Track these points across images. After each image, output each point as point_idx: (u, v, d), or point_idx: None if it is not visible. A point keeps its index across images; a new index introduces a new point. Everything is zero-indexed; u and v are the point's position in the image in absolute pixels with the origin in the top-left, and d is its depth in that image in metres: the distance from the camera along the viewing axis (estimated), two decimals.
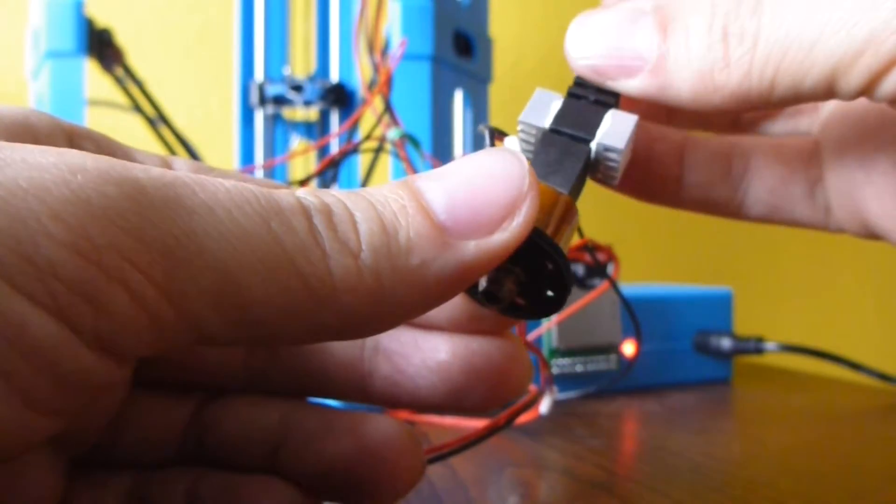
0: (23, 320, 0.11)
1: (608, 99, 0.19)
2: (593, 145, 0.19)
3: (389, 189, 0.14)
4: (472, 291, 0.17)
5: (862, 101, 0.20)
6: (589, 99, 0.20)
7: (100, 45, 0.53)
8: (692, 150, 0.22)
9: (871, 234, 0.21)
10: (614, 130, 0.19)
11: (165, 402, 0.18)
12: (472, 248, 0.14)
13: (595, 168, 0.19)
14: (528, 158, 0.19)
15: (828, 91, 0.17)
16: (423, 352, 0.17)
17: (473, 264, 0.14)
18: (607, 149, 0.19)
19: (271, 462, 0.18)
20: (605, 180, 0.20)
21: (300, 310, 0.13)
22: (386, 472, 0.17)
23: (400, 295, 0.14)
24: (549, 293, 0.16)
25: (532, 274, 0.16)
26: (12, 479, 0.15)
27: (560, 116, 0.19)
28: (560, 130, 0.19)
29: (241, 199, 0.13)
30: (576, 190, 0.18)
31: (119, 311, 0.12)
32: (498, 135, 0.19)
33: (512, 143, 0.19)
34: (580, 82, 0.20)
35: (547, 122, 0.19)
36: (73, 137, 0.17)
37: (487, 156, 0.15)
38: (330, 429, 0.17)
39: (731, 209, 0.22)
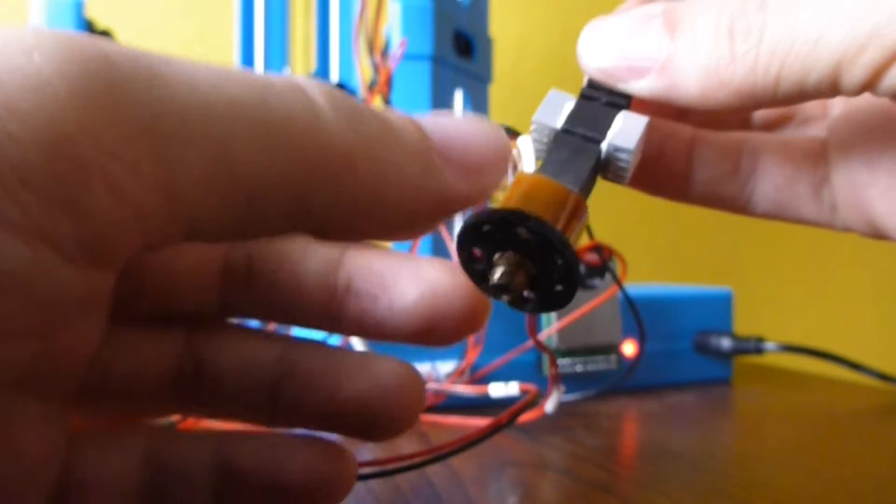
0: None
1: (620, 100, 0.20)
2: (604, 146, 0.19)
3: (392, 112, 0.15)
4: (482, 283, 0.17)
5: (867, 101, 0.20)
6: (601, 100, 0.20)
7: None
8: (701, 148, 0.22)
9: (877, 234, 0.21)
10: (625, 131, 0.19)
11: (148, 335, 0.17)
12: (453, 181, 0.15)
13: (606, 168, 0.20)
14: (539, 158, 0.20)
15: (832, 86, 0.17)
16: (391, 295, 0.17)
17: (454, 198, 0.15)
18: (618, 149, 0.19)
19: (273, 399, 0.17)
20: (615, 180, 0.20)
21: (295, 181, 0.13)
22: (400, 407, 0.17)
23: (391, 194, 0.15)
24: (558, 287, 0.17)
25: (542, 268, 0.17)
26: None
27: (572, 117, 0.20)
28: (572, 131, 0.20)
29: (228, 75, 0.13)
30: (586, 188, 0.19)
31: (101, 212, 0.11)
32: (511, 134, 0.20)
33: (524, 142, 0.19)
34: (593, 84, 0.20)
35: (559, 123, 0.20)
36: None
37: (474, 118, 0.16)
38: (340, 368, 0.17)
39: (737, 205, 0.23)
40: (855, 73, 0.16)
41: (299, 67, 0.59)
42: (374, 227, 0.15)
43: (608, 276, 0.42)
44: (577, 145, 0.19)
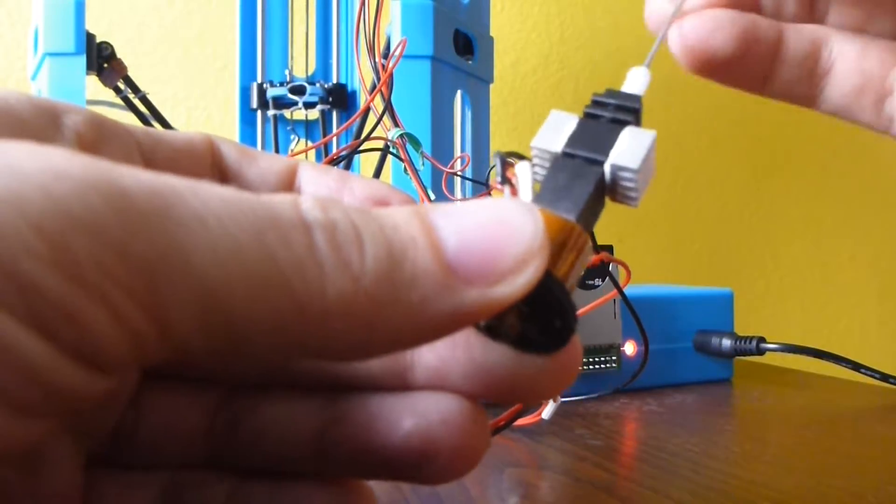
0: (9, 335, 0.11)
1: (626, 116, 0.19)
2: (607, 166, 0.18)
3: (401, 216, 0.14)
4: (475, 327, 0.16)
5: None
6: (606, 118, 0.19)
7: (99, 59, 0.53)
8: (786, 52, 0.23)
9: None
10: (629, 149, 0.18)
11: (186, 390, 0.18)
12: (473, 295, 0.14)
13: (613, 190, 0.18)
14: (537, 182, 0.18)
15: None
16: (472, 347, 0.16)
17: (470, 311, 0.14)
18: (621, 169, 0.18)
19: (320, 449, 0.17)
20: (624, 201, 0.19)
21: (286, 328, 0.13)
22: (451, 450, 0.16)
23: (393, 328, 0.13)
24: (557, 323, 0.15)
25: (535, 306, 0.15)
26: (27, 469, 0.15)
27: (573, 138, 0.18)
28: (573, 153, 0.18)
29: (236, 210, 0.12)
30: (587, 215, 0.17)
31: (99, 329, 0.12)
32: (510, 158, 0.18)
33: (523, 169, 0.18)
34: (597, 101, 0.19)
35: (559, 146, 0.18)
36: (60, 115, 0.17)
37: (505, 205, 0.14)
38: (384, 410, 0.16)
39: (805, 103, 0.24)
40: None
41: (300, 68, 0.59)
42: (373, 354, 0.14)
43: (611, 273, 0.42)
44: (577, 168, 0.18)
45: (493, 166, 0.17)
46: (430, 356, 0.17)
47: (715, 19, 0.22)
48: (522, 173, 0.17)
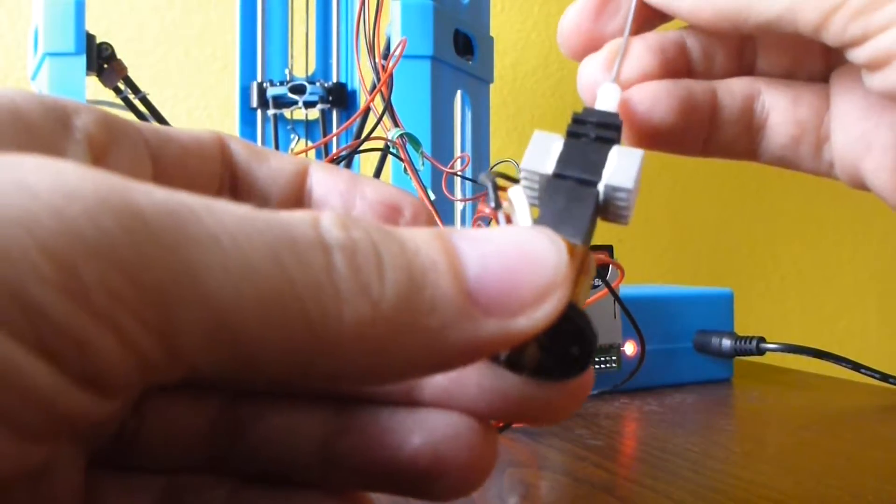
0: (13, 358, 0.11)
1: (610, 134, 0.19)
2: (601, 187, 0.18)
3: (423, 238, 0.13)
4: (492, 358, 0.16)
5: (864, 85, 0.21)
6: (590, 136, 0.19)
7: (99, 59, 0.53)
8: (721, 113, 0.23)
9: (864, 190, 0.23)
10: (621, 169, 0.18)
11: (189, 395, 0.17)
12: (492, 326, 0.13)
13: (605, 210, 0.19)
14: (533, 206, 0.18)
15: (792, 24, 0.19)
16: (482, 369, 0.16)
17: (488, 342, 0.13)
18: (616, 189, 0.18)
19: (325, 459, 0.17)
20: (615, 220, 0.19)
21: (297, 352, 0.12)
22: (459, 468, 0.16)
23: (409, 355, 0.13)
24: (574, 350, 0.15)
25: (555, 336, 0.15)
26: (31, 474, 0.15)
27: (563, 159, 0.19)
28: (564, 175, 0.19)
29: (251, 229, 0.12)
30: (588, 237, 0.18)
31: (106, 354, 0.11)
32: (501, 181, 0.18)
33: (516, 192, 0.17)
34: (578, 119, 0.19)
35: (549, 168, 0.19)
36: (70, 116, 0.17)
37: (528, 234, 0.14)
38: (394, 425, 0.16)
39: (744, 157, 0.24)
40: (809, 17, 0.19)
41: (300, 68, 0.59)
42: (387, 381, 0.14)
43: (610, 274, 0.42)
44: (573, 190, 0.18)
45: (485, 185, 0.17)
46: (439, 375, 0.16)
47: (653, 93, 0.22)
48: (517, 198, 0.17)
